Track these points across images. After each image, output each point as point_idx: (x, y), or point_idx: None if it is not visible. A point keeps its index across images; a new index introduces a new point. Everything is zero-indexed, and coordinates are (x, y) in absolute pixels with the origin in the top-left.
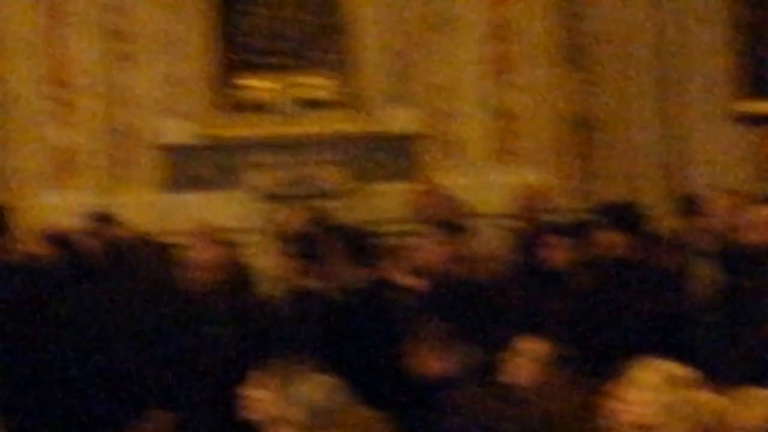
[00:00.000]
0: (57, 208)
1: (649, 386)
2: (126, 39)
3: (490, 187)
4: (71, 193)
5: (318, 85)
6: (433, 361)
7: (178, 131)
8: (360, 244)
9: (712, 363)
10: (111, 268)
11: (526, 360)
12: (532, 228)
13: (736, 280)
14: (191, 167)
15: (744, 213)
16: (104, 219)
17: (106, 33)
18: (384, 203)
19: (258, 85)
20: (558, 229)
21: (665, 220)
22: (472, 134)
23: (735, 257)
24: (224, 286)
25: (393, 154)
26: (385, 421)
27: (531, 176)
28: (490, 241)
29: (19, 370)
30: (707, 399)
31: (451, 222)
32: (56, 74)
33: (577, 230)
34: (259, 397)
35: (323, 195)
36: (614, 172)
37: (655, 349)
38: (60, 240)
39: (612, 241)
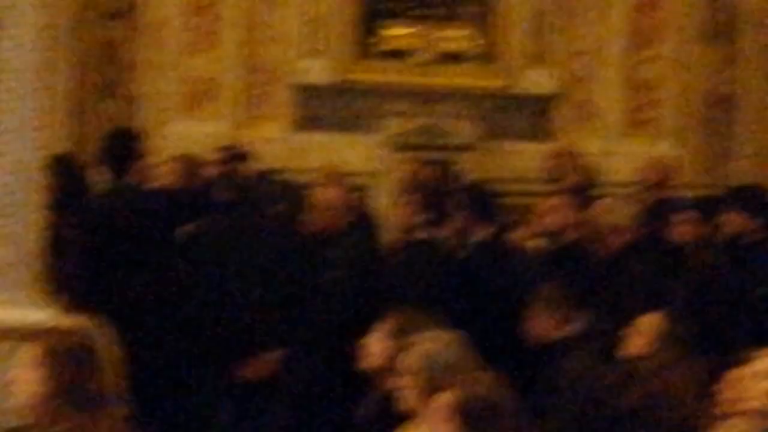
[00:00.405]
0: (190, 137)
1: None
2: None
3: (623, 155)
4: (205, 124)
5: (459, 38)
6: (549, 324)
7: (315, 72)
8: (485, 200)
9: None
10: (236, 202)
11: (645, 334)
12: (658, 201)
13: None
14: (325, 108)
15: None
16: (235, 152)
17: None
18: (515, 161)
19: (399, 33)
20: (685, 205)
21: None
22: (608, 101)
23: None
24: (347, 230)
25: (528, 114)
26: (501, 381)
27: (664, 149)
28: (617, 210)
29: (135, 295)
30: None
31: (579, 187)
32: (202, 4)
33: (704, 208)
34: (378, 346)
35: (454, 148)
36: (749, 152)
37: None
38: (189, 169)
39: (737, 222)
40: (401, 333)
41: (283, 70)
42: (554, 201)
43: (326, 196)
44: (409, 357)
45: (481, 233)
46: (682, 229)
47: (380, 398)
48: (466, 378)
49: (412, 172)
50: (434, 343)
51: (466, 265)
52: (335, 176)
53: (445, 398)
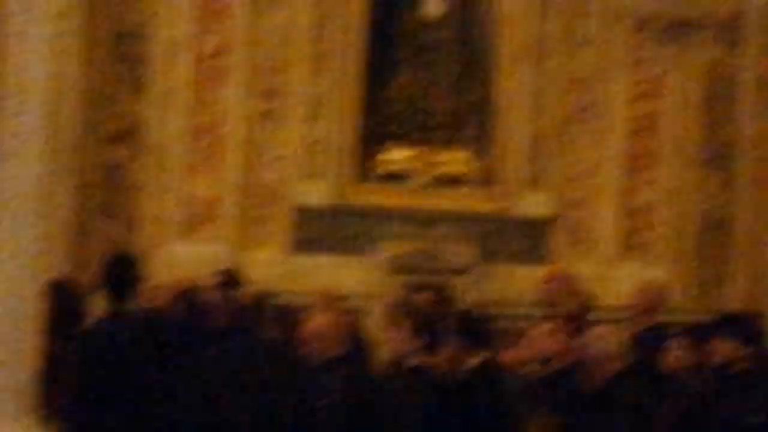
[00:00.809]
0: (189, 259)
1: None
2: (275, 98)
3: (617, 279)
4: (204, 246)
5: (457, 161)
6: None
7: (314, 194)
8: (477, 326)
9: None
10: (230, 328)
11: None
12: (650, 327)
13: None
14: (323, 230)
15: None
16: (231, 276)
17: (257, 91)
18: (511, 285)
19: (397, 157)
20: (676, 332)
21: None
22: (603, 225)
23: None
24: (342, 356)
25: (524, 237)
26: None
27: (658, 273)
28: (609, 337)
29: (129, 418)
30: None
31: (573, 312)
32: (204, 127)
33: (695, 334)
34: None
35: (450, 271)
36: (745, 279)
37: None
38: (185, 294)
39: (727, 349)
40: None
41: (282, 192)
42: (548, 326)
43: (321, 321)
44: None
45: (473, 359)
46: (673, 356)
47: None
48: None
49: (406, 297)
50: None
51: (459, 392)
52: (330, 301)
53: None
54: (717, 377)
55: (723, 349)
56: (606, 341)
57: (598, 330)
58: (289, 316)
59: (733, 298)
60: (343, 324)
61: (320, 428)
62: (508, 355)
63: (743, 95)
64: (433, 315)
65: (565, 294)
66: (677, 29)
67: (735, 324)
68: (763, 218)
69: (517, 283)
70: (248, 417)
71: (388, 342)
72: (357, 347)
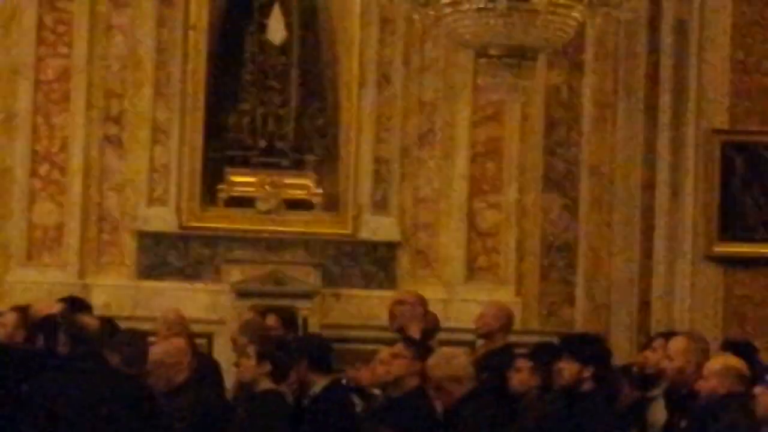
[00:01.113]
0: (34, 285)
1: None
2: (117, 124)
3: (464, 302)
4: (48, 272)
5: (302, 185)
6: None
7: (158, 219)
8: (324, 350)
9: None
10: (76, 354)
11: None
12: (495, 348)
13: (676, 421)
14: (170, 256)
15: (695, 359)
16: (75, 302)
17: (101, 117)
18: (359, 308)
19: (244, 181)
20: (522, 354)
21: (635, 355)
22: (450, 248)
23: (679, 399)
24: (190, 381)
25: (371, 261)
26: None
27: (505, 295)
28: (457, 359)
29: None
30: None
31: (421, 334)
32: (46, 152)
33: (540, 356)
34: None
35: (298, 295)
36: (589, 301)
37: None
38: (29, 320)
39: (572, 370)
40: None
41: (127, 217)
42: (395, 349)
43: (167, 347)
44: None
45: (320, 383)
46: (519, 378)
47: None
48: None
49: (253, 321)
50: None
51: (307, 416)
52: (177, 326)
53: None
54: (563, 398)
55: (568, 369)
56: (453, 363)
57: (445, 351)
58: (135, 342)
59: (578, 319)
60: (189, 349)
61: None
62: (355, 379)
63: (582, 119)
64: (280, 339)
65: (412, 317)
66: (517, 55)
67: (579, 345)
68: (605, 240)
69: (364, 307)
70: None
71: (237, 367)
72: (205, 372)
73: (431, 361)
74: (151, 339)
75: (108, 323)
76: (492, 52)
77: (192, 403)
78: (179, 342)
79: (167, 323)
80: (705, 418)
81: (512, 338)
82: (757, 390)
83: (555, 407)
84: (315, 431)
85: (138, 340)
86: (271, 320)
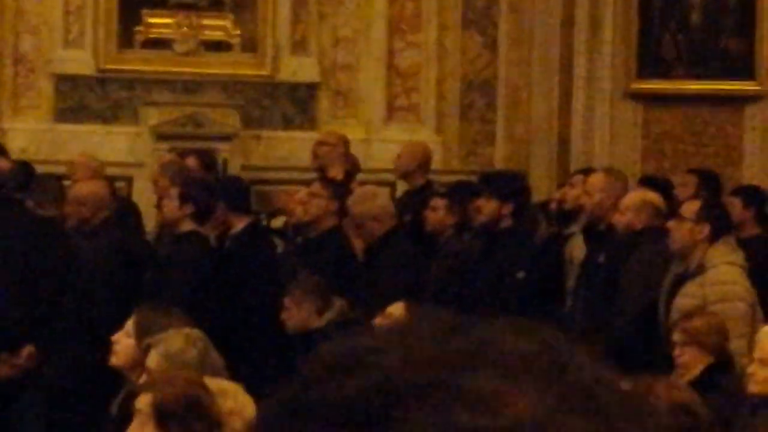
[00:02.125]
0: None
1: None
2: None
3: (384, 142)
4: None
5: (220, 26)
6: (307, 313)
7: (76, 62)
8: (243, 192)
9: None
10: None
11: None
12: (416, 188)
13: (594, 256)
14: (86, 99)
15: (614, 194)
16: None
17: None
18: (279, 150)
19: (161, 22)
20: (440, 192)
21: (554, 191)
22: (370, 89)
23: (597, 234)
24: (108, 222)
25: (291, 102)
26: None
27: (425, 135)
28: (376, 198)
29: None
30: None
31: (343, 175)
32: None
33: (459, 194)
34: (124, 343)
35: (217, 137)
36: (510, 139)
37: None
38: None
39: (490, 208)
40: (143, 331)
41: (44, 60)
42: (314, 189)
43: (85, 188)
44: (150, 357)
45: (240, 224)
46: (436, 217)
47: (130, 395)
48: (162, 379)
49: (173, 163)
50: (174, 342)
51: (226, 257)
52: (94, 167)
53: (143, 400)
54: (481, 235)
55: (487, 207)
56: (373, 201)
57: (366, 190)
58: (50, 184)
59: (498, 157)
60: (108, 191)
61: (93, 292)
62: (276, 219)
63: None
64: (202, 181)
65: (334, 157)
66: None
67: (498, 182)
68: (525, 78)
69: (284, 149)
70: (7, 286)
71: (158, 209)
72: (124, 214)
73: (352, 199)
74: (67, 182)
75: (23, 166)
76: None
77: (111, 243)
78: (97, 183)
79: (82, 167)
80: (622, 252)
81: (433, 178)
82: (671, 224)
83: (473, 244)
84: (236, 271)
85: (52, 183)
86: (191, 162)
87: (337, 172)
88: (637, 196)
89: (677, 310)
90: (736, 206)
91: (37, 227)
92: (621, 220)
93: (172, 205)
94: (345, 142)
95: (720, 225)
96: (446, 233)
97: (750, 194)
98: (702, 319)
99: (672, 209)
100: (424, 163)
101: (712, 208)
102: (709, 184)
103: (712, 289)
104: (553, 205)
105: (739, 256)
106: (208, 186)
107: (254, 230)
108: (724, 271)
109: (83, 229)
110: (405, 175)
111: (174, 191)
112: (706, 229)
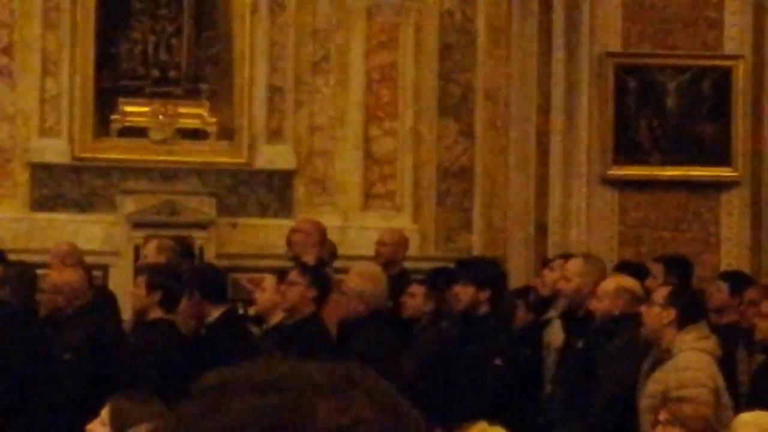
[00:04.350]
0: None
1: None
2: (8, 55)
3: (361, 229)
4: None
5: (196, 114)
6: None
7: (51, 150)
8: (218, 279)
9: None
10: None
11: None
12: (393, 275)
13: (572, 342)
14: (62, 187)
15: (592, 280)
16: None
17: None
18: (255, 237)
19: (136, 110)
20: (416, 279)
21: (531, 278)
22: (346, 176)
23: (575, 320)
24: (84, 311)
25: (267, 189)
26: None
27: (402, 222)
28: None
29: None
30: None
31: (318, 262)
32: None
33: (436, 281)
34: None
35: (193, 225)
36: (487, 226)
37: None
38: None
39: (467, 294)
40: (119, 420)
41: (18, 148)
42: (290, 276)
43: (61, 277)
44: None
45: (215, 312)
46: (414, 303)
47: None
48: None
49: (147, 251)
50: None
51: (201, 345)
52: (70, 256)
53: None
54: (459, 322)
55: (464, 293)
56: (369, 281)
57: (366, 266)
58: (22, 274)
59: (475, 244)
60: (83, 279)
61: (63, 381)
62: (251, 308)
63: (476, 44)
64: (175, 268)
65: (308, 244)
66: None
67: (475, 268)
68: (501, 164)
69: (261, 236)
70: None
71: (131, 296)
72: (99, 301)
73: (352, 273)
74: (45, 271)
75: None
76: None
77: (84, 331)
78: (73, 272)
79: (59, 255)
80: (600, 337)
81: (410, 265)
82: (642, 308)
83: (449, 331)
84: (211, 359)
85: (28, 272)
86: (164, 250)
87: (309, 259)
88: (614, 282)
89: (646, 395)
90: (722, 291)
91: (9, 315)
92: (598, 306)
93: (139, 293)
94: (320, 230)
95: (688, 310)
96: (423, 320)
97: (737, 280)
98: (691, 405)
99: (648, 295)
100: (402, 250)
101: (680, 293)
102: (679, 270)
103: (676, 375)
104: (531, 292)
105: (709, 343)
106: (176, 273)
107: (230, 318)
108: (688, 358)
109: (58, 317)
110: (387, 263)
111: (141, 279)
112: (672, 314)
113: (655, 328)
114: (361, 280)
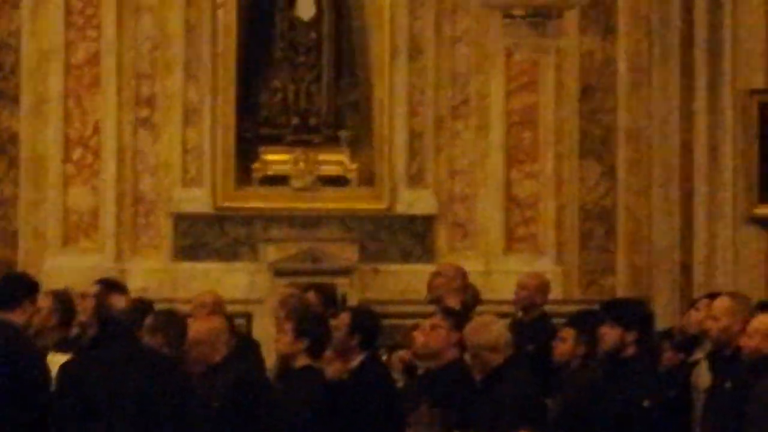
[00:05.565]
0: (71, 271)
1: None
2: (150, 106)
3: (504, 273)
4: (86, 256)
5: (337, 161)
6: None
7: (193, 200)
8: (366, 324)
9: None
10: (111, 335)
11: None
12: (537, 318)
13: (720, 382)
14: (206, 237)
15: (740, 319)
16: (111, 284)
17: (133, 100)
18: (398, 283)
19: (277, 159)
20: (563, 323)
21: (677, 319)
22: (488, 219)
23: (724, 360)
24: (230, 359)
25: (409, 234)
26: None
27: (544, 265)
28: (494, 328)
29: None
30: None
31: (461, 306)
32: (81, 137)
33: (582, 324)
34: None
35: (335, 272)
36: (629, 268)
37: None
38: (65, 304)
39: (613, 336)
40: None
41: (162, 199)
42: (433, 320)
43: (204, 326)
44: None
45: (361, 357)
46: (564, 347)
47: None
48: None
49: (291, 298)
50: None
51: (348, 390)
52: (214, 305)
53: None
54: (606, 364)
55: (611, 335)
56: (490, 330)
57: (482, 319)
58: (175, 322)
59: (619, 286)
60: (226, 328)
61: (213, 429)
62: (394, 353)
63: (618, 84)
64: (320, 314)
65: (452, 289)
66: (541, 14)
67: (621, 309)
68: (644, 205)
69: (403, 282)
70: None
71: (276, 344)
72: (244, 352)
73: (468, 328)
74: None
75: (140, 304)
76: (516, 12)
77: (229, 381)
78: (216, 321)
79: (203, 305)
80: (749, 377)
81: (554, 308)
82: None
83: (597, 374)
84: (354, 407)
85: (177, 321)
86: (310, 297)
87: (453, 303)
88: (765, 319)
89: None
90: None
91: (156, 365)
92: (749, 344)
93: (286, 339)
94: (462, 274)
95: None
96: (574, 364)
97: None
98: None
99: None
100: (545, 294)
101: None
102: None
103: None
104: (677, 332)
105: None
106: (324, 319)
107: (370, 365)
108: None
109: (203, 367)
110: (526, 306)
111: (289, 325)
112: None
113: None
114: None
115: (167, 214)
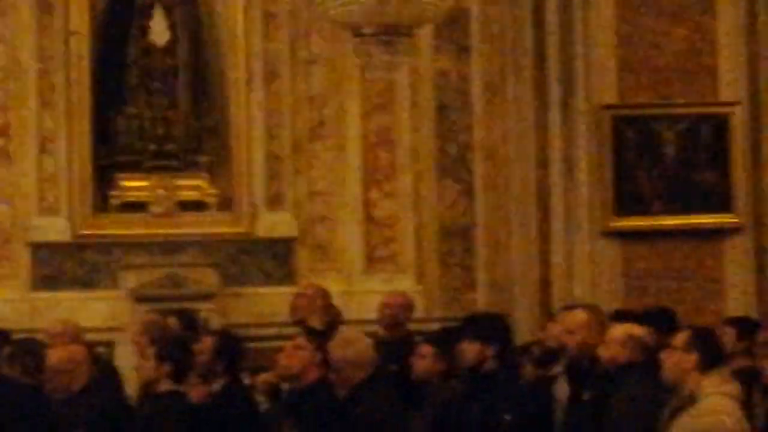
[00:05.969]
0: None
1: None
2: (4, 135)
3: (364, 293)
4: None
5: (195, 186)
6: None
7: (51, 229)
8: (228, 348)
9: None
10: None
11: None
12: (398, 337)
13: (579, 394)
14: (64, 265)
15: (596, 332)
16: None
17: None
18: (259, 306)
19: (135, 185)
20: (423, 340)
21: (536, 333)
22: (347, 240)
23: (582, 372)
24: (90, 387)
25: (269, 257)
26: None
27: (406, 284)
28: (355, 345)
29: None
30: None
31: (323, 327)
32: None
33: (443, 341)
34: None
35: (196, 297)
36: (490, 285)
37: None
38: None
39: (474, 351)
40: None
41: (18, 228)
42: (297, 342)
43: (62, 354)
44: None
45: (223, 380)
46: (423, 364)
47: None
48: None
49: (152, 324)
50: None
51: (211, 413)
52: (66, 333)
53: None
54: (467, 379)
55: (470, 350)
56: (354, 346)
57: (347, 335)
58: (30, 352)
59: (480, 303)
60: (86, 356)
61: None
62: (258, 376)
63: (473, 103)
64: (180, 340)
65: (314, 310)
66: (391, 32)
67: (480, 324)
68: (503, 221)
69: (265, 304)
70: None
71: (137, 370)
72: (104, 379)
73: (332, 343)
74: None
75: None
76: (366, 31)
77: (90, 408)
78: (75, 349)
79: (57, 335)
80: (606, 387)
81: (416, 327)
82: (662, 354)
83: (458, 389)
84: (217, 429)
85: (35, 349)
86: (171, 322)
87: (316, 323)
88: (622, 329)
89: None
90: (730, 336)
91: (16, 394)
92: (605, 354)
93: (149, 365)
94: (324, 294)
95: (710, 354)
96: (434, 380)
97: (744, 325)
98: None
99: (662, 342)
100: (406, 312)
101: (700, 337)
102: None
103: (701, 420)
104: (536, 347)
105: (733, 387)
106: (185, 345)
107: (232, 388)
108: (714, 403)
109: (63, 394)
110: (387, 325)
111: (151, 351)
112: (694, 358)
113: (676, 373)
114: (343, 351)
115: (25, 244)
